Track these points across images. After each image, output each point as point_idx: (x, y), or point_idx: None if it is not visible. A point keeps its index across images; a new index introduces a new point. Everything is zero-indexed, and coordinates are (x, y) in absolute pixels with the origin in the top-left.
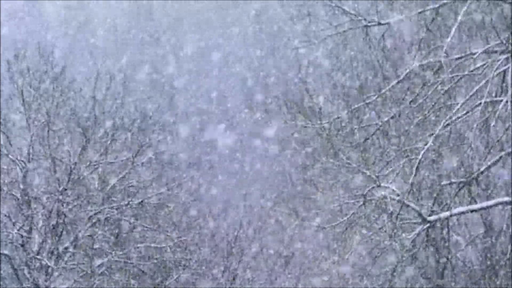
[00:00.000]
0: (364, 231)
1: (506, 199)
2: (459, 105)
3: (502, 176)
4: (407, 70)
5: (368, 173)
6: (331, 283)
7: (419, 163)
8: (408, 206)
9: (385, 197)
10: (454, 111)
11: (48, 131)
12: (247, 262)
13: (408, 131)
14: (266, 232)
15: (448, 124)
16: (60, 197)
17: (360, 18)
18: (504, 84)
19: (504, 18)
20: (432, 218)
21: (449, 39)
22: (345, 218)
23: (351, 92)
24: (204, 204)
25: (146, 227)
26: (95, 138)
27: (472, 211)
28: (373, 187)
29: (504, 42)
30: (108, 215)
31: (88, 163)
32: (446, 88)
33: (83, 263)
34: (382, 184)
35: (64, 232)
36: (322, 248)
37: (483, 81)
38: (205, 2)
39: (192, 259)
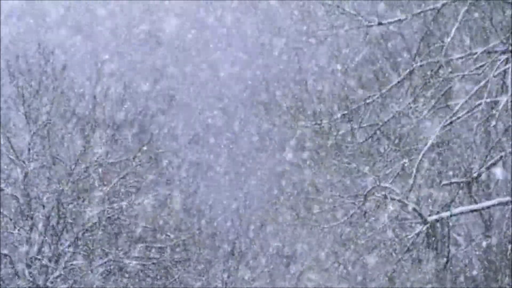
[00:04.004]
0: (364, 232)
1: (506, 199)
2: (459, 105)
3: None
4: (407, 70)
5: (368, 173)
6: (331, 283)
7: (419, 163)
8: (408, 206)
9: (385, 197)
10: (454, 111)
11: (48, 131)
12: (247, 262)
13: (408, 131)
14: (266, 232)
15: (448, 124)
16: (60, 197)
17: (360, 18)
18: (504, 84)
19: (504, 18)
20: (432, 218)
21: (449, 39)
22: (345, 218)
23: (351, 92)
24: (204, 204)
25: (146, 227)
26: (95, 138)
27: (472, 211)
28: (373, 187)
29: (504, 42)
30: (108, 215)
31: (88, 163)
32: (446, 88)
33: (83, 263)
34: (382, 184)
35: (64, 232)
36: (322, 248)
37: (483, 81)
38: (206, 2)
39: (192, 259)
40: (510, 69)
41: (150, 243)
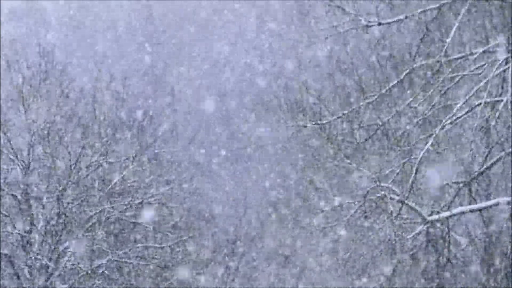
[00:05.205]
0: (364, 231)
1: (506, 199)
2: (459, 105)
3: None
4: (407, 70)
5: (368, 173)
6: (331, 283)
7: (419, 163)
8: (408, 206)
9: (385, 197)
10: (454, 111)
11: (48, 131)
12: (247, 262)
13: (408, 131)
14: (266, 232)
15: (448, 124)
16: (60, 197)
17: (360, 18)
18: (504, 84)
19: (504, 18)
20: (432, 218)
21: (449, 39)
22: (345, 218)
23: (351, 92)
24: (204, 204)
25: (146, 227)
26: (95, 138)
27: (472, 211)
28: (373, 187)
29: (504, 42)
30: (108, 215)
31: (88, 163)
32: (446, 88)
33: (83, 263)
34: (382, 184)
35: (64, 232)
36: (322, 248)
37: (483, 81)
38: (205, 2)
39: (192, 259)
40: (510, 69)
41: (150, 243)
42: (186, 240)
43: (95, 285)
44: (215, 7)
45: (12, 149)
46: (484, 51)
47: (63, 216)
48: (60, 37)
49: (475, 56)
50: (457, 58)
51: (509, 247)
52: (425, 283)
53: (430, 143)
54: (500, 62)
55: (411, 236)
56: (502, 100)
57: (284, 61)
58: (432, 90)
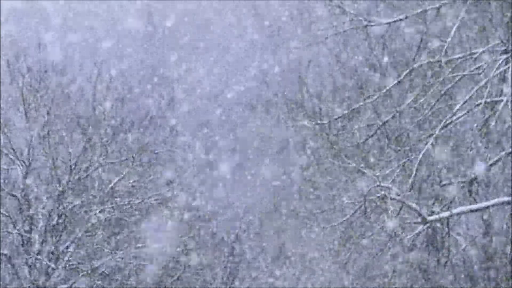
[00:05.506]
0: (363, 232)
1: (506, 199)
2: (459, 105)
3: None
4: (407, 70)
5: (368, 173)
6: (331, 283)
7: (419, 163)
8: (408, 206)
9: (385, 197)
10: (454, 111)
11: (48, 131)
12: (247, 262)
13: (408, 131)
14: (266, 232)
15: (448, 124)
16: (60, 197)
17: (360, 18)
18: (504, 84)
19: (504, 18)
20: (432, 218)
21: (449, 39)
22: (345, 218)
23: (351, 92)
24: (205, 204)
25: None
26: (95, 138)
27: (472, 211)
28: (373, 187)
29: (504, 42)
30: (108, 215)
31: (88, 163)
32: (446, 88)
33: (83, 263)
34: (382, 184)
35: (64, 232)
36: (322, 248)
37: (483, 81)
38: (205, 2)
39: (192, 260)
40: (510, 69)
41: (150, 244)
42: (186, 240)
43: (95, 285)
44: (215, 7)
45: (12, 149)
46: (484, 51)
47: (63, 216)
48: (60, 37)
49: (475, 56)
50: (457, 58)
51: (509, 247)
52: (425, 283)
53: (430, 143)
54: (500, 62)
55: (411, 236)
56: (502, 100)
57: (283, 61)
58: (432, 90)
